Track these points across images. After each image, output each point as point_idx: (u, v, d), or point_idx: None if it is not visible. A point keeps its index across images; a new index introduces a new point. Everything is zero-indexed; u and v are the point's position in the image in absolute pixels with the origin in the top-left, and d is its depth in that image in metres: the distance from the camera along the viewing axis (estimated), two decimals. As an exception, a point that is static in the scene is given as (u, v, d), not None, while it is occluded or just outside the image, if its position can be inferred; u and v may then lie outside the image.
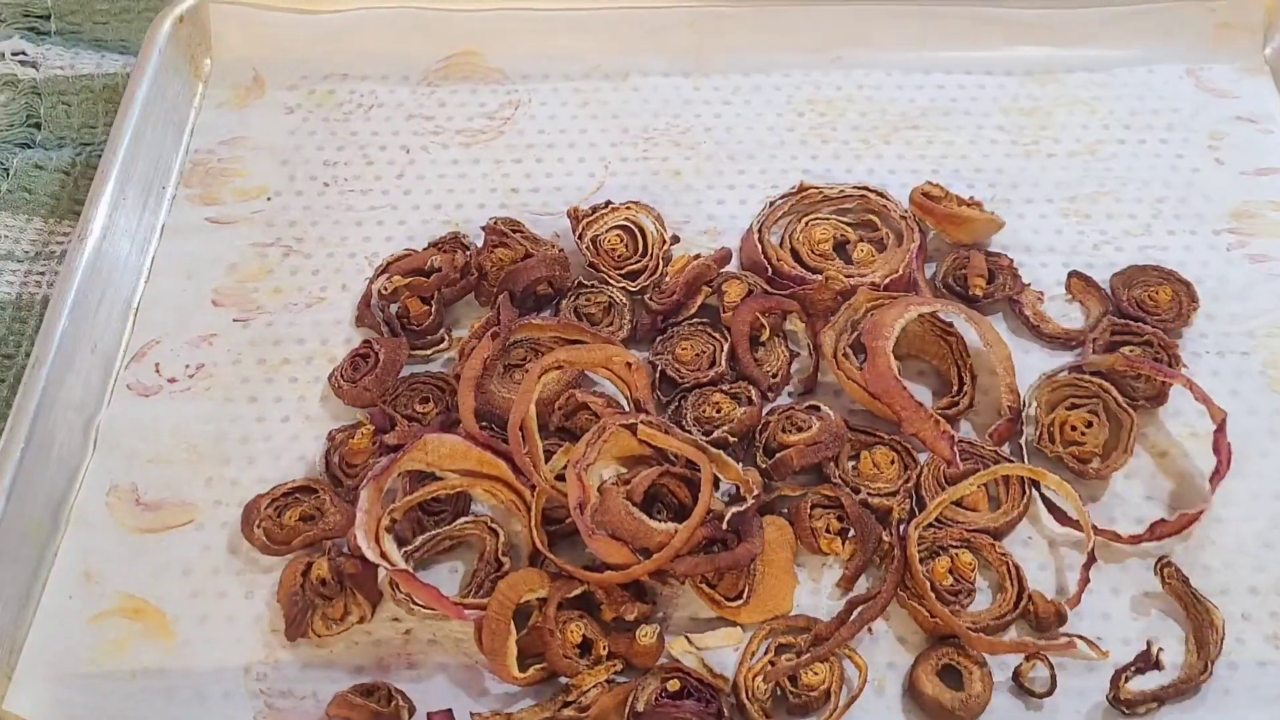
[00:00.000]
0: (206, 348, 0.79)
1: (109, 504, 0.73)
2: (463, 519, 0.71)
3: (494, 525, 0.70)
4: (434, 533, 0.70)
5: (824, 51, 0.94)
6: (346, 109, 0.92)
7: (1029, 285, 0.81)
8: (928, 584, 0.67)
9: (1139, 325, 0.77)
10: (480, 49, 0.95)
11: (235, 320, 0.81)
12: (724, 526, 0.67)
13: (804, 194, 0.83)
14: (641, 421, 0.70)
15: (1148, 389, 0.75)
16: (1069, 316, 0.80)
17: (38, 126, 0.93)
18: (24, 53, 0.95)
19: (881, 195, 0.83)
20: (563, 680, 0.66)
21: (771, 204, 0.83)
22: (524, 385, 0.70)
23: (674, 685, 0.64)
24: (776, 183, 0.86)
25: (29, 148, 0.92)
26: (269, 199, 0.87)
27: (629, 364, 0.73)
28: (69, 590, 0.69)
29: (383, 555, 0.67)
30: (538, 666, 0.66)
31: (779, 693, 0.65)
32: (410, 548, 0.69)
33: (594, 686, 0.65)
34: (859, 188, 0.84)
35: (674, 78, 0.94)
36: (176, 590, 0.69)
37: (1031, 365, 0.77)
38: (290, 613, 0.67)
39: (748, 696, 0.65)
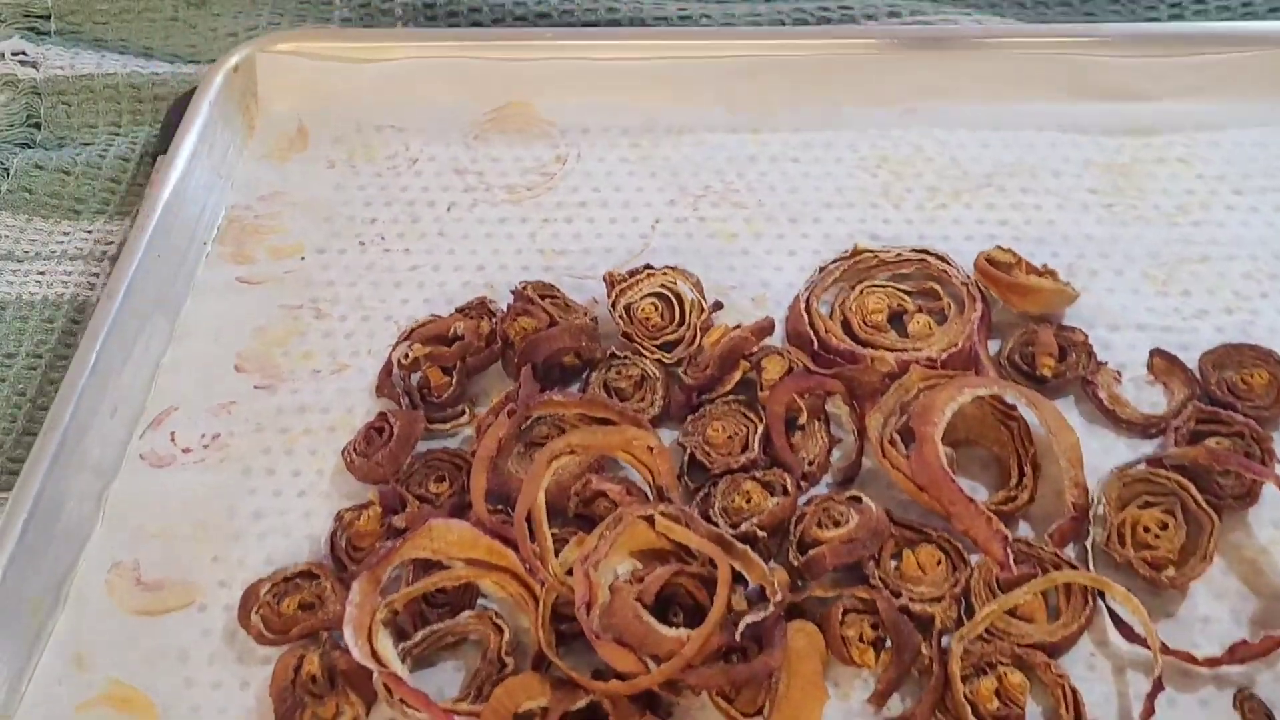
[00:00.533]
0: (225, 416, 0.76)
1: (109, 582, 0.70)
2: (466, 613, 0.66)
3: (499, 621, 0.65)
4: (434, 627, 0.65)
5: (895, 102, 0.88)
6: (393, 163, 0.89)
7: (1105, 364, 0.73)
8: (968, 708, 0.60)
9: (1229, 413, 0.69)
10: (531, 100, 0.91)
11: (257, 387, 0.78)
12: (741, 634, 0.61)
13: (858, 258, 0.77)
14: (660, 513, 0.64)
15: (1236, 486, 0.67)
16: (1151, 402, 0.72)
17: (38, 126, 0.93)
18: (24, 53, 0.95)
19: (943, 259, 0.77)
20: (561, 799, 0.61)
21: (823, 270, 0.77)
22: (532, 472, 0.66)
23: (681, 809, 0.59)
24: (840, 248, 0.80)
25: (29, 147, 0.92)
26: (303, 258, 0.84)
27: (650, 448, 0.68)
28: (59, 674, 0.66)
29: (373, 654, 0.62)
30: (536, 781, 0.61)
31: (796, 824, 0.59)
32: (410, 643, 0.65)
33: (593, 806, 0.59)
34: (918, 251, 0.77)
35: (738, 133, 0.89)
36: (170, 678, 0.66)
37: (1105, 455, 0.70)
38: (280, 710, 0.63)
39: (760, 826, 0.59)
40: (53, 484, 0.70)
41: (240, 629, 0.67)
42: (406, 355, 0.75)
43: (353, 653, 0.62)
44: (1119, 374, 0.73)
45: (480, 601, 0.67)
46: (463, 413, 0.75)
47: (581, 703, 0.61)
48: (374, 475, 0.72)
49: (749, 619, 0.61)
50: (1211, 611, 0.64)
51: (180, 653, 0.67)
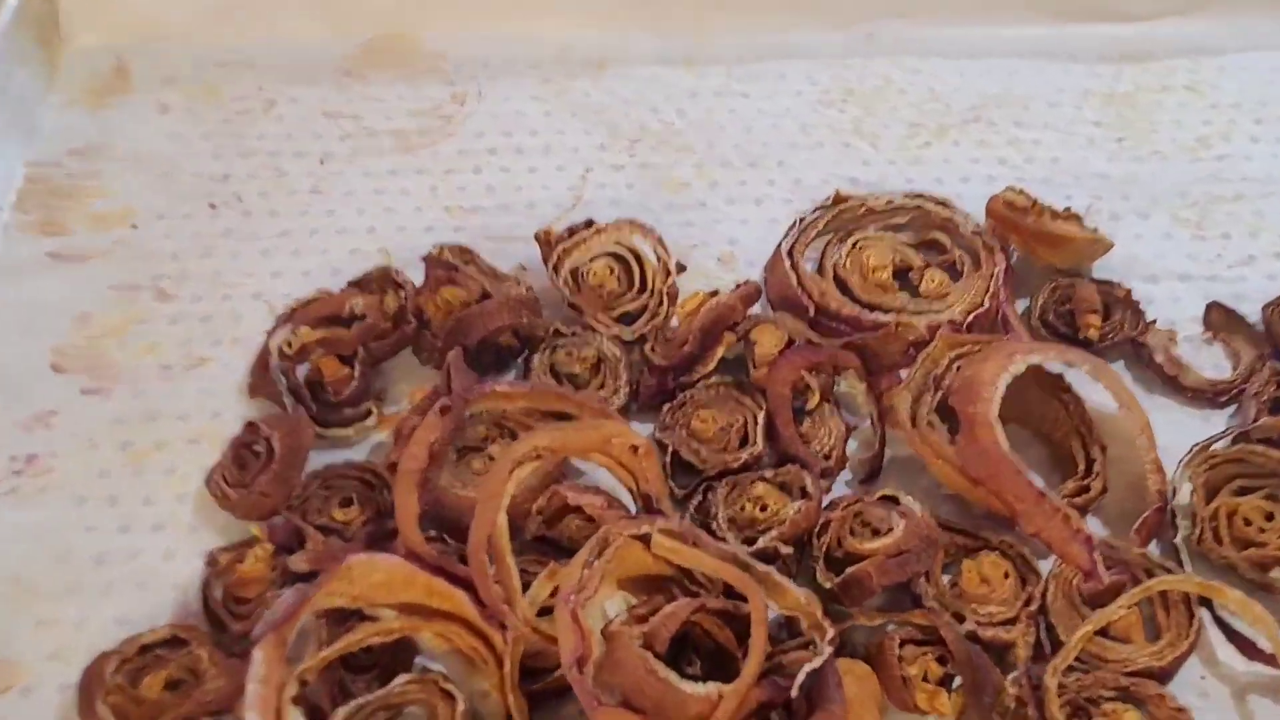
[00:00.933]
0: (43, 431, 0.58)
1: (-113, 671, 0.51)
2: (402, 677, 0.49)
3: (447, 686, 0.49)
4: (361, 700, 0.49)
5: (852, 26, 0.75)
6: (244, 105, 0.72)
7: (1154, 322, 0.61)
8: (1081, 761, 0.47)
9: (1319, 372, 0.58)
10: (412, 28, 0.74)
11: (85, 391, 0.60)
12: (789, 686, 0.46)
13: (842, 207, 0.64)
14: (659, 530, 0.49)
15: (1339, 466, 0.55)
16: (1213, 364, 0.61)
17: None
18: None
19: (945, 205, 0.64)
20: None
21: (802, 221, 0.64)
22: (489, 485, 0.50)
23: None
24: (816, 196, 0.66)
25: None
26: (135, 226, 0.66)
27: (635, 447, 0.52)
28: None
29: (285, 748, 0.45)
30: None
31: None
32: (329, 725, 0.48)
33: None
34: (912, 196, 0.65)
35: (671, 65, 0.75)
36: (-20, 801, 0.48)
37: (1171, 431, 0.57)
38: (149, 836, 0.46)
39: None
40: None
41: (79, 720, 0.49)
42: (290, 342, 0.58)
43: (260, 751, 0.44)
44: (1174, 333, 0.61)
45: (419, 661, 0.51)
46: (368, 413, 0.58)
47: (579, 792, 0.46)
48: (259, 509, 0.55)
49: (808, 668, 0.46)
50: (1332, 617, 0.53)
51: (-5, 762, 0.49)
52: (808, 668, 0.46)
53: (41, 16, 0.72)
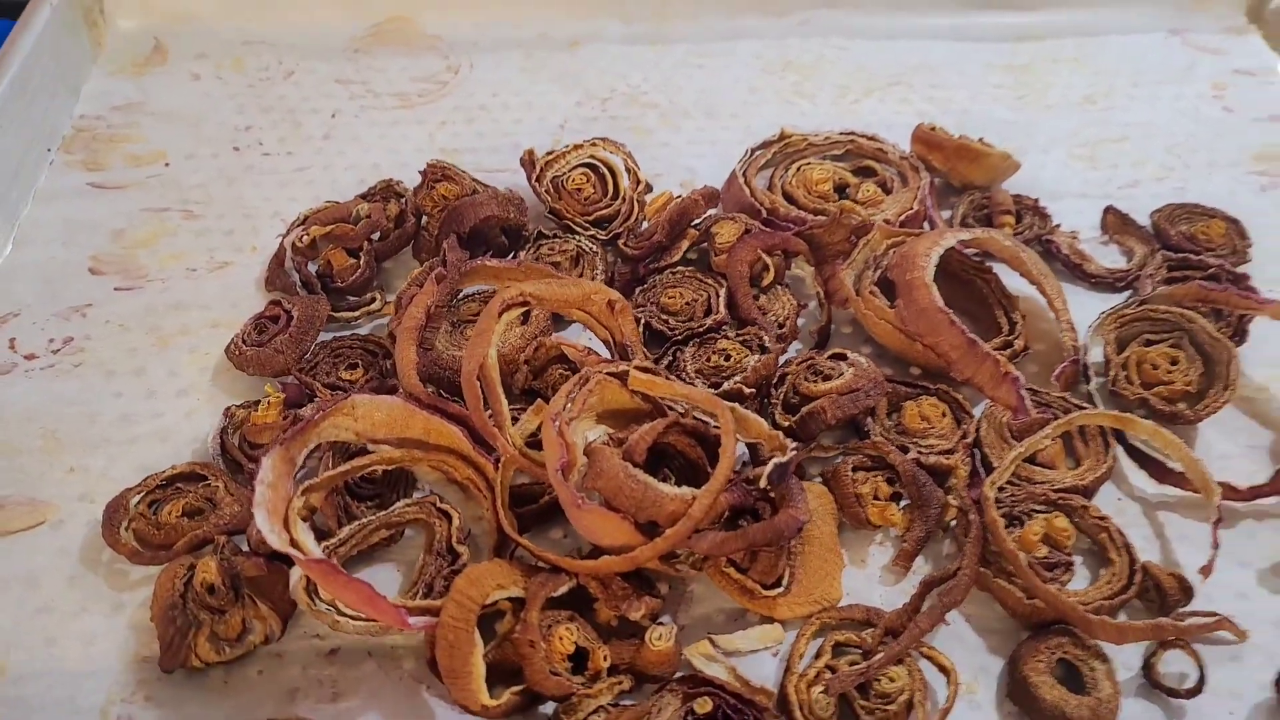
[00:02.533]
0: (79, 319, 0.54)
1: (-68, 504, 0.46)
2: (403, 502, 0.45)
3: (444, 507, 0.45)
4: (364, 520, 0.44)
5: (789, 14, 0.73)
6: (265, 74, 0.69)
7: (1059, 225, 0.59)
8: (1020, 555, 0.43)
9: (1199, 258, 0.55)
10: (412, 14, 0.72)
11: (119, 289, 0.55)
12: (757, 489, 0.42)
13: (787, 140, 0.61)
14: (634, 367, 0.45)
15: (1223, 328, 0.52)
16: (1110, 260, 0.58)
17: None
18: None
19: (873, 139, 0.62)
20: (551, 707, 0.40)
21: (752, 151, 0.61)
22: (480, 324, 0.46)
23: (703, 706, 0.39)
24: (758, 136, 0.63)
25: None
26: (167, 164, 0.63)
27: (611, 303, 0.49)
28: None
29: (293, 543, 0.41)
30: (515, 690, 0.40)
31: (845, 708, 0.40)
32: (334, 541, 0.44)
33: (595, 712, 0.39)
34: (846, 133, 0.62)
35: (636, 44, 0.72)
36: (15, 608, 0.43)
37: (1077, 310, 0.54)
38: (166, 634, 0.41)
39: (804, 714, 0.40)
40: None
41: (107, 548, 0.44)
42: (303, 238, 0.55)
43: (270, 540, 0.40)
44: (1075, 234, 0.59)
45: (416, 492, 0.47)
46: (372, 300, 0.54)
47: (563, 588, 0.41)
48: (270, 365, 0.50)
49: (775, 462, 0.42)
50: (1224, 448, 0.50)
51: (28, 578, 0.44)
52: (776, 460, 0.42)
53: (87, 3, 0.69)
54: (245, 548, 0.43)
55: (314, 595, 0.41)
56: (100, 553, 0.44)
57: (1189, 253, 0.56)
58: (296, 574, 0.41)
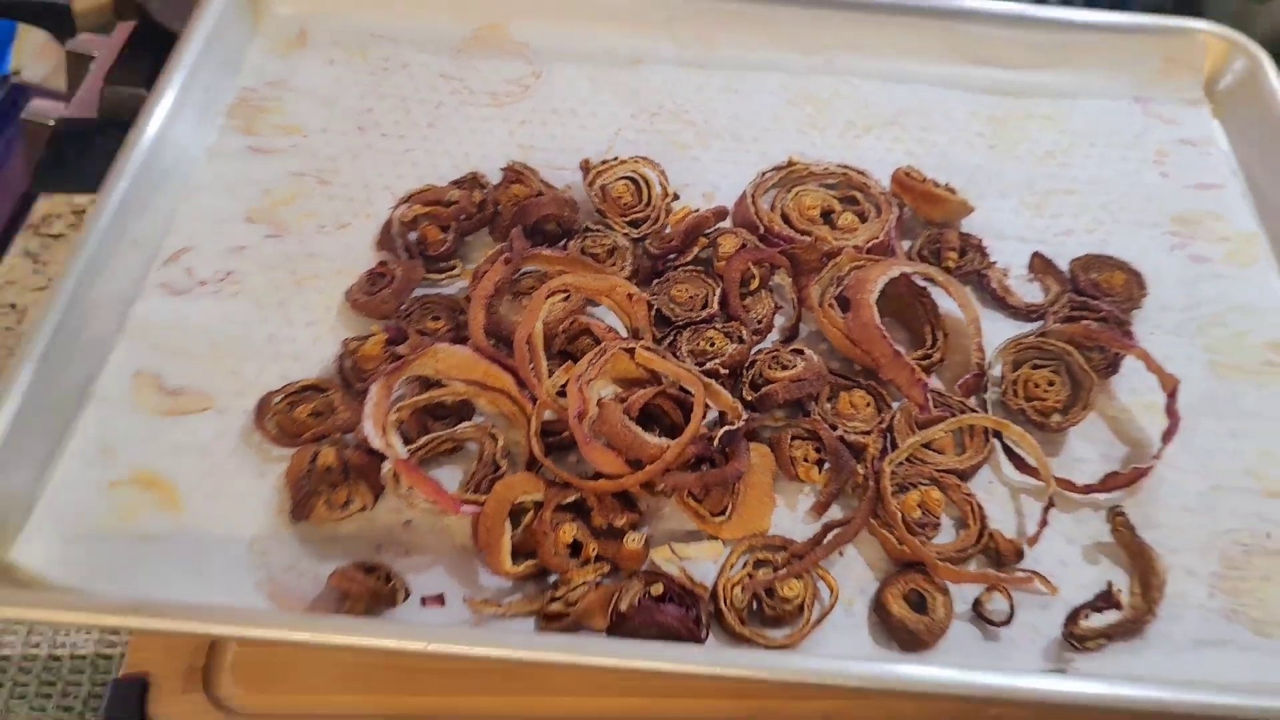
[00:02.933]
0: (238, 257, 0.71)
1: (133, 387, 0.64)
2: (465, 423, 0.63)
3: (494, 431, 0.62)
4: (436, 434, 0.62)
5: (818, 54, 0.87)
6: (386, 65, 0.84)
7: (995, 263, 0.74)
8: (898, 514, 0.60)
9: (1096, 303, 0.71)
10: (506, 23, 0.87)
11: (268, 236, 0.72)
12: (714, 445, 0.59)
13: (793, 167, 0.76)
14: (641, 346, 0.62)
15: (1102, 361, 0.68)
16: (1031, 295, 0.73)
17: None
18: None
19: (862, 174, 0.76)
20: (552, 577, 0.58)
21: (763, 174, 0.76)
22: (532, 303, 0.63)
23: (657, 589, 0.57)
24: (772, 162, 0.78)
25: None
26: (305, 136, 0.79)
27: (630, 295, 0.66)
28: (86, 460, 0.61)
29: (387, 445, 0.58)
30: (529, 562, 0.58)
31: (755, 604, 0.58)
32: (414, 446, 0.61)
33: (582, 584, 0.57)
34: (842, 166, 0.77)
35: (685, 67, 0.86)
36: (190, 468, 0.61)
37: (996, 334, 0.70)
38: (297, 495, 0.59)
39: (726, 604, 0.57)
40: (76, 300, 0.65)
41: (256, 431, 0.62)
42: (406, 214, 0.71)
43: (373, 442, 0.58)
44: (1006, 271, 0.74)
45: (475, 417, 0.64)
46: (455, 267, 0.71)
47: (571, 498, 0.59)
48: (377, 311, 0.67)
49: (727, 428, 0.59)
50: (1084, 454, 0.66)
51: (200, 447, 0.62)
52: (726, 428, 0.59)
53: (253, -8, 0.85)
54: (354, 443, 0.61)
55: (398, 482, 0.59)
56: (251, 435, 0.62)
57: (1091, 297, 0.72)
58: (387, 466, 0.59)
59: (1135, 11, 0.93)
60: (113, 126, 0.95)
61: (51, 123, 1.00)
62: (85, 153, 0.99)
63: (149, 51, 1.00)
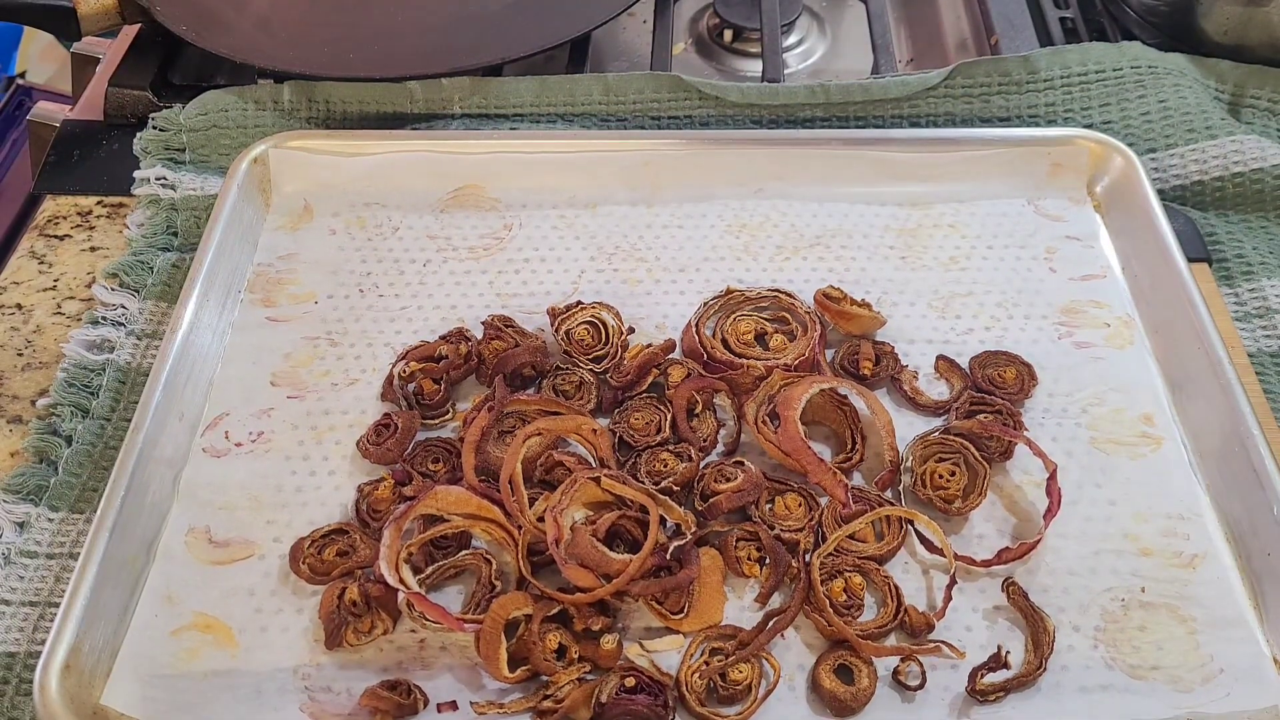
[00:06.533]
0: (266, 419, 0.82)
1: (187, 542, 0.75)
2: (464, 551, 0.73)
3: (489, 556, 0.73)
4: (441, 563, 0.73)
5: (749, 185, 0.97)
6: (380, 231, 0.95)
7: (906, 366, 0.84)
8: (826, 601, 0.70)
9: (991, 398, 0.81)
10: (481, 183, 0.98)
11: (289, 397, 0.83)
12: (668, 556, 0.70)
13: (730, 296, 0.87)
14: (605, 475, 0.73)
15: (998, 447, 0.78)
16: (938, 392, 0.84)
17: (175, 234, 0.96)
18: (164, 177, 0.98)
19: (790, 296, 0.87)
20: (543, 678, 0.68)
21: (705, 304, 0.87)
22: (512, 448, 0.74)
23: (630, 681, 0.67)
24: (716, 290, 0.88)
25: (168, 251, 0.95)
26: (316, 302, 0.89)
27: (594, 430, 0.76)
28: (154, 610, 0.71)
29: (401, 581, 0.69)
30: (524, 668, 0.68)
31: (711, 687, 0.68)
32: (423, 575, 0.72)
33: (567, 683, 0.67)
34: (773, 290, 0.87)
35: (636, 206, 0.96)
36: (240, 609, 0.72)
37: (909, 428, 0.80)
38: (329, 627, 0.70)
39: (687, 690, 0.67)
40: (139, 473, 0.75)
41: (292, 573, 0.73)
42: (404, 370, 0.83)
43: (387, 580, 0.69)
44: (916, 373, 0.84)
45: (473, 544, 0.75)
46: (449, 412, 0.82)
47: (555, 610, 0.70)
48: (384, 458, 0.78)
49: (675, 544, 0.70)
50: (984, 531, 0.76)
51: (248, 590, 0.73)
52: (677, 543, 0.69)
53: (260, 176, 0.96)
54: (373, 577, 0.72)
55: (411, 609, 0.70)
56: (288, 576, 0.73)
57: (987, 392, 0.82)
58: (402, 596, 0.70)
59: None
60: (117, 128, 1.03)
61: (57, 124, 1.03)
62: (90, 154, 1.02)
63: (153, 54, 1.06)
